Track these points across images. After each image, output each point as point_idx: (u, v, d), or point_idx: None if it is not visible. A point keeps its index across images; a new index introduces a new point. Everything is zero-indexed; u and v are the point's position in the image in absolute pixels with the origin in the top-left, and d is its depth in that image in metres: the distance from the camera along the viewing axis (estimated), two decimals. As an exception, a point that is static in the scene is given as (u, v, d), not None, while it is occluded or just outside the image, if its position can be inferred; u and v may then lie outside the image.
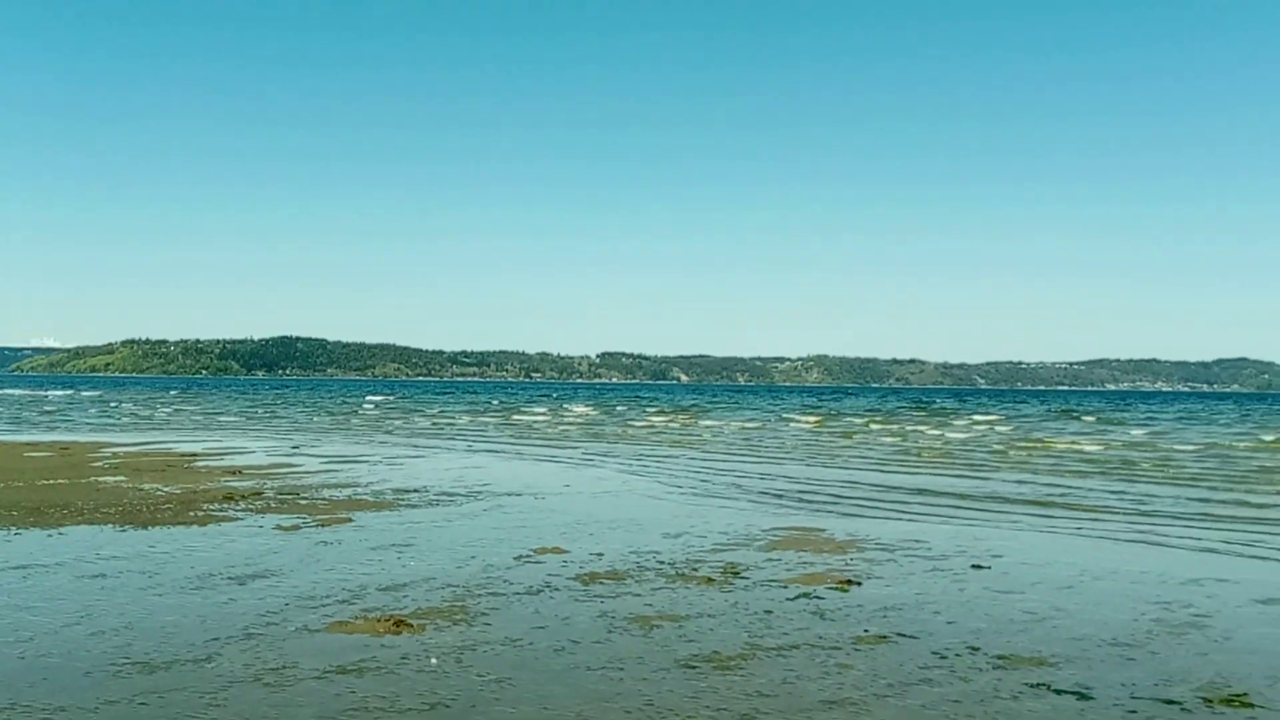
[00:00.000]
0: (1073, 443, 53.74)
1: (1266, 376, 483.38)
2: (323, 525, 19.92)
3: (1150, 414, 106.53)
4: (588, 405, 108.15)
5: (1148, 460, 42.11)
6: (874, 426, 70.76)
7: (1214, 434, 64.99)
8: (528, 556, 16.85)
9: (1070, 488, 30.40)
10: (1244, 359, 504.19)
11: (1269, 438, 59.18)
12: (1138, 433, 65.87)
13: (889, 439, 56.10)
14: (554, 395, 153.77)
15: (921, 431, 64.38)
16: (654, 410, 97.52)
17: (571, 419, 78.41)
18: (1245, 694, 9.93)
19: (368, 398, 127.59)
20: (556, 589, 14.31)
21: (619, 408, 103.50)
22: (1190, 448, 50.56)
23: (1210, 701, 9.69)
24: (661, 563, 16.47)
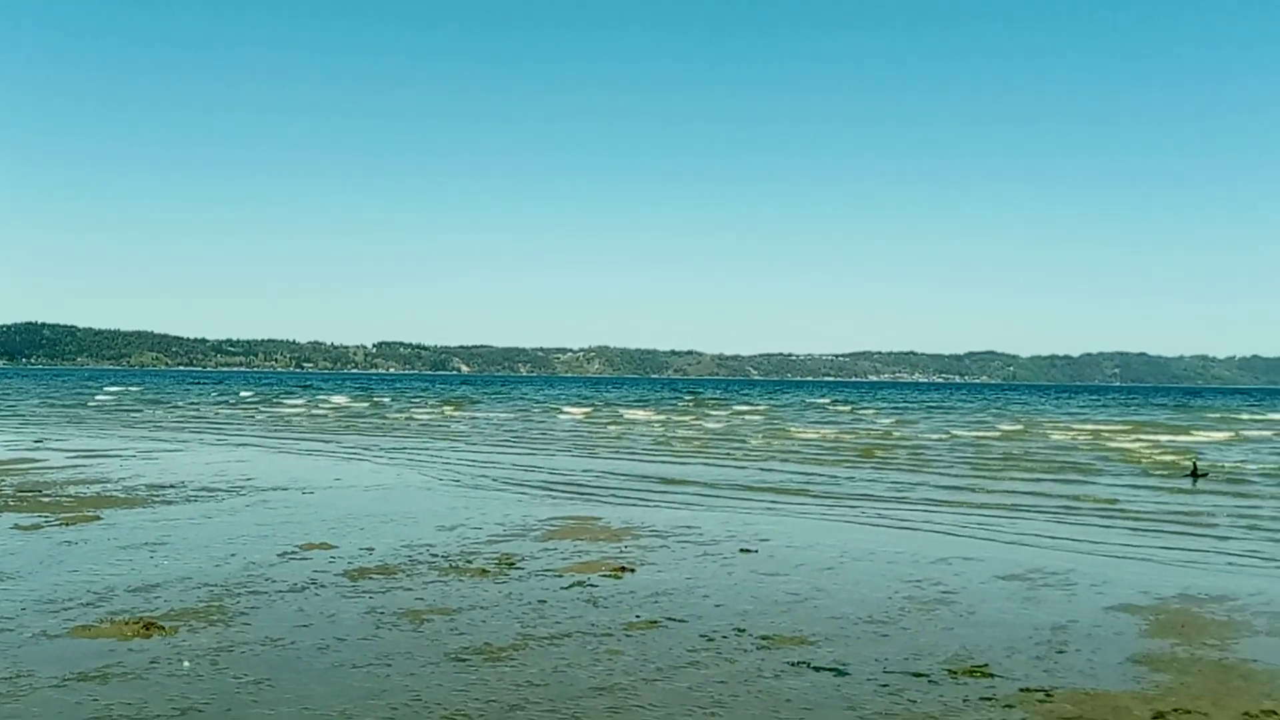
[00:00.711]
0: (826, 433, 56.28)
1: (1011, 369, 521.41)
2: (67, 524, 18.54)
3: (904, 403, 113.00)
4: (347, 397, 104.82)
5: (900, 448, 44.62)
6: (641, 416, 72.09)
7: (957, 423, 69.44)
8: (293, 553, 16.19)
9: (829, 476, 31.85)
10: (992, 352, 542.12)
11: (1007, 428, 63.73)
12: (886, 422, 69.62)
13: (656, 429, 57.23)
14: (316, 386, 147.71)
15: (684, 421, 66.03)
16: (422, 401, 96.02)
17: (329, 411, 75.89)
18: (986, 665, 10.57)
19: (106, 388, 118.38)
20: (322, 586, 13.79)
21: (384, 399, 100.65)
22: (937, 437, 53.87)
23: (955, 673, 10.27)
24: (435, 556, 16.16)
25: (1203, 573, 15.94)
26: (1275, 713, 9.17)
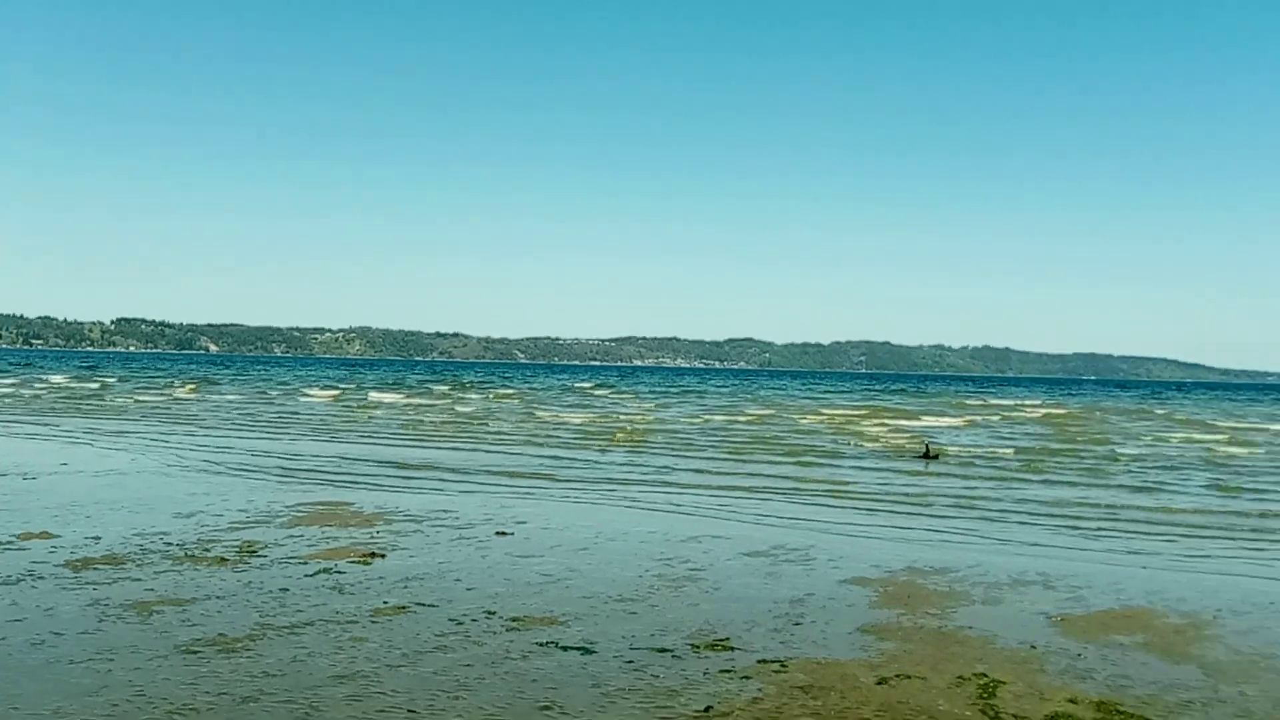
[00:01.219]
0: (588, 417, 56.96)
1: (768, 355, 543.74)
2: None
3: (662, 387, 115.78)
4: (69, 376, 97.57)
5: (656, 431, 45.65)
6: (391, 399, 70.42)
7: (711, 407, 71.70)
8: (8, 543, 14.93)
9: (585, 459, 32.21)
10: (750, 339, 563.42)
11: (758, 412, 66.31)
12: (644, 405, 71.16)
13: (408, 412, 56.08)
14: (39, 364, 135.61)
15: (437, 405, 65.14)
16: (157, 382, 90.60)
17: (45, 391, 70.26)
18: (728, 639, 10.93)
19: None
20: (40, 578, 12.77)
21: (111, 380, 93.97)
22: (691, 420, 55.45)
23: (698, 647, 10.57)
24: (169, 544, 15.27)
25: (928, 548, 17.03)
26: (985, 674, 9.90)
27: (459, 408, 62.24)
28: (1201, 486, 27.90)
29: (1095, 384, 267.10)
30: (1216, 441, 47.17)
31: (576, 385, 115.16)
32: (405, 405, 64.72)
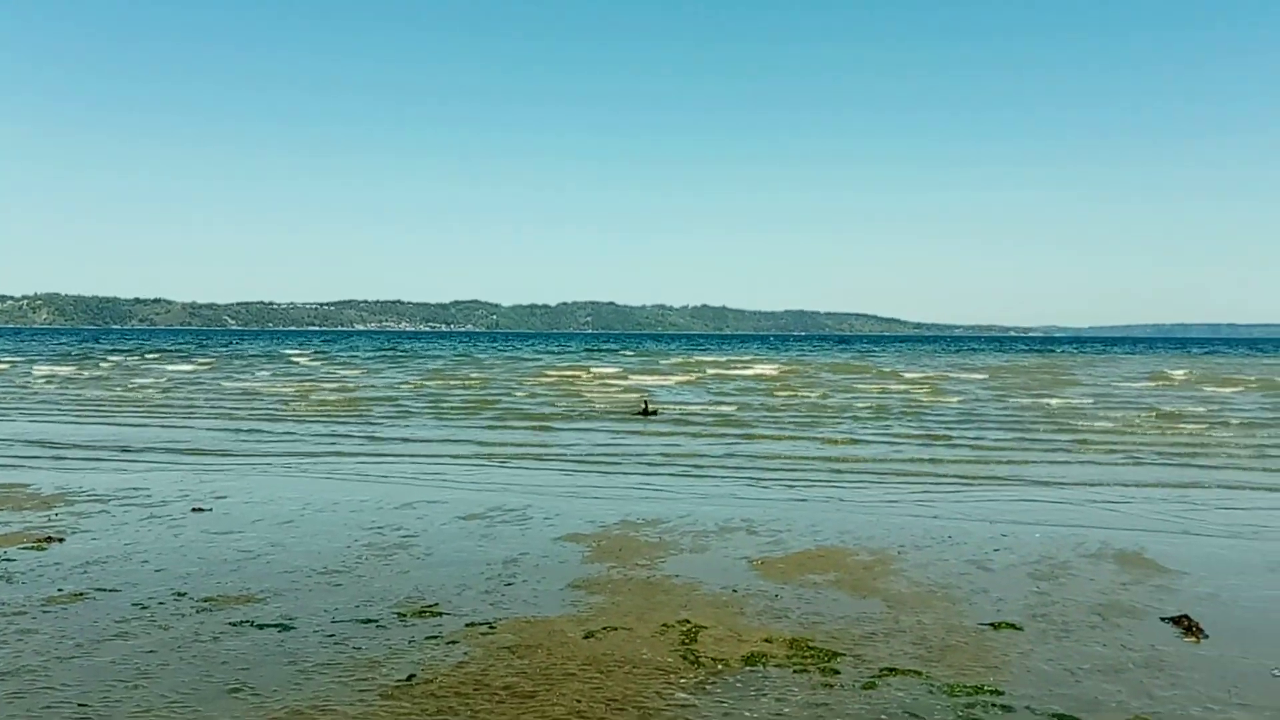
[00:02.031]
0: (298, 387, 54.88)
1: (495, 317, 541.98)
2: None
3: (377, 353, 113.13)
4: None
5: (367, 400, 44.51)
6: (54, 372, 64.47)
7: (431, 371, 70.72)
8: None
9: (288, 432, 30.99)
10: (476, 301, 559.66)
11: (481, 375, 65.96)
12: (353, 373, 69.35)
13: (70, 388, 51.59)
14: None
15: (108, 379, 60.29)
16: None
17: None
18: (437, 604, 10.70)
19: None
20: None
21: None
22: (411, 386, 54.45)
23: (405, 615, 10.28)
24: None
25: (642, 502, 17.38)
26: (689, 620, 10.16)
27: (140, 379, 57.53)
28: (899, 433, 30.00)
29: (804, 339, 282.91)
30: (913, 391, 50.95)
31: (285, 352, 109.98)
32: (80, 378, 59.20)
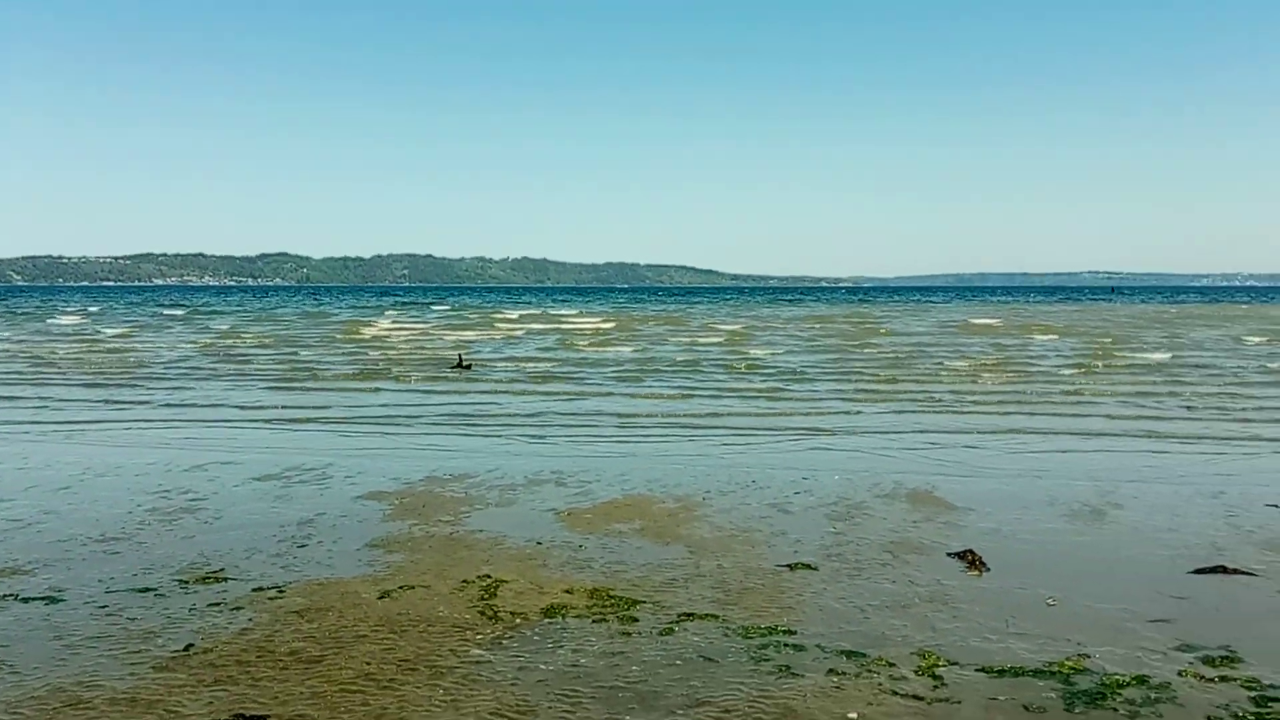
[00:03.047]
0: (72, 348, 51.90)
1: (305, 270, 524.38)
2: None
3: (173, 309, 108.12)
4: None
5: (152, 361, 42.41)
6: None
7: (213, 330, 68.00)
8: None
9: (61, 396, 29.25)
10: (285, 254, 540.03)
11: (286, 334, 63.73)
12: (136, 331, 66.05)
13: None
14: None
15: None
16: None
17: None
18: (222, 569, 10.18)
19: None
20: None
21: None
22: (209, 343, 52.17)
23: (187, 582, 9.73)
24: None
25: (451, 458, 17.01)
26: (490, 575, 9.97)
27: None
28: (713, 384, 30.47)
29: (627, 291, 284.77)
30: (729, 342, 51.90)
31: (64, 309, 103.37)
32: None
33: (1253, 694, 7.16)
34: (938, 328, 67.07)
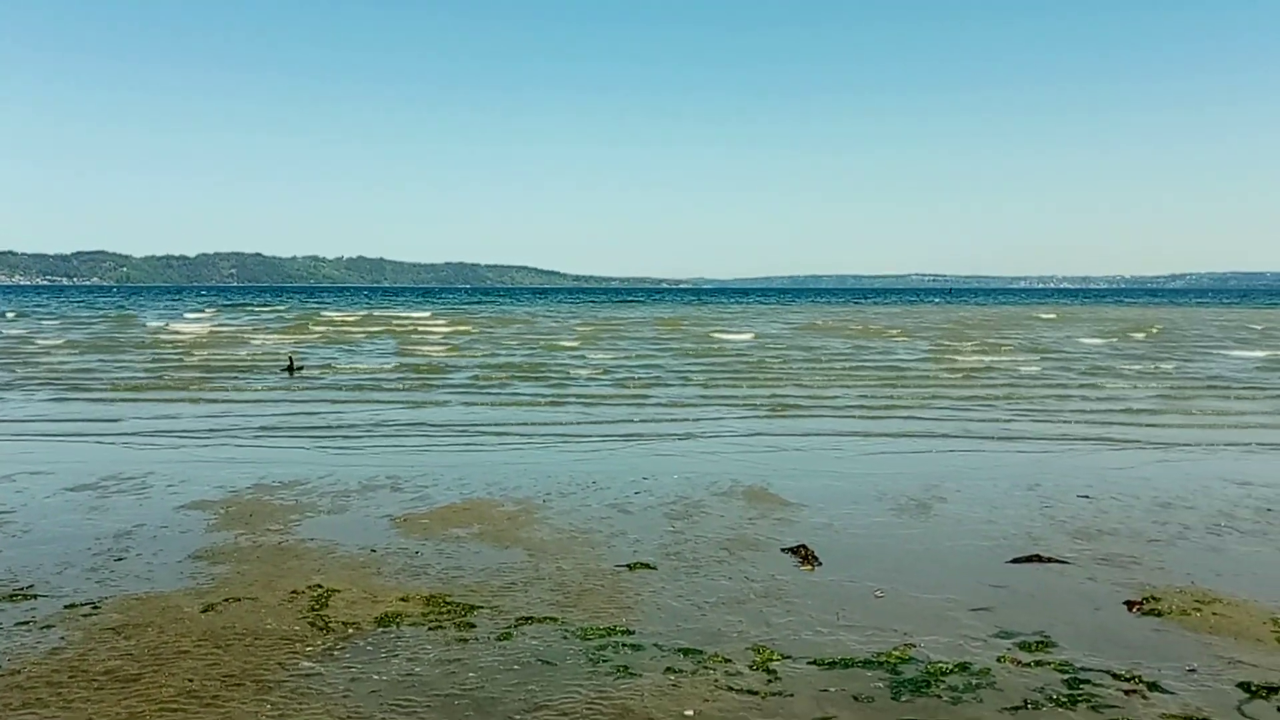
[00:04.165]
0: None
1: (125, 270, 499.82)
2: None
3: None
4: None
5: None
6: None
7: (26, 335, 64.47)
8: None
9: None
10: (103, 252, 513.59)
11: (94, 340, 60.73)
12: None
13: None
14: None
15: None
16: None
17: None
18: (32, 586, 9.59)
19: None
20: None
21: None
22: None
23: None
24: None
25: (280, 465, 16.44)
26: (321, 585, 9.67)
27: None
28: (557, 389, 30.38)
29: (467, 292, 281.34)
30: (577, 345, 51.84)
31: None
32: None
33: (1065, 676, 7.55)
34: (789, 330, 68.53)
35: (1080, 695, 7.19)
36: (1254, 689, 7.30)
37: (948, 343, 51.77)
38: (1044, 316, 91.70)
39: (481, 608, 9.08)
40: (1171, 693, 7.24)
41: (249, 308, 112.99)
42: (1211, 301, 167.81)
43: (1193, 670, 7.66)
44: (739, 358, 40.80)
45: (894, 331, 63.54)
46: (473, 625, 8.61)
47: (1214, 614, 8.94)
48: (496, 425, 21.24)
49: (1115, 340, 54.45)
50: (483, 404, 25.15)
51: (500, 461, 16.82)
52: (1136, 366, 37.06)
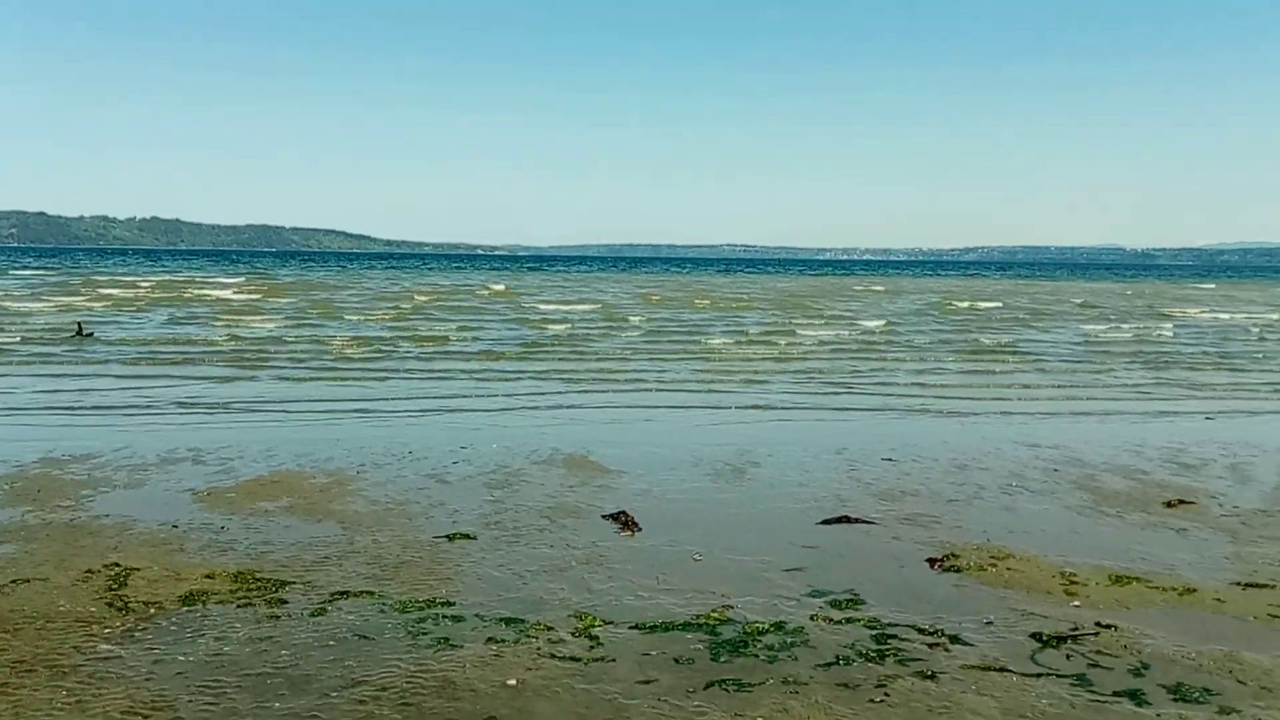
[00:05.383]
0: None
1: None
2: None
3: None
4: None
5: None
6: None
7: None
8: None
9: None
10: None
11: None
12: None
13: None
14: None
15: None
16: None
17: None
18: None
19: None
20: None
21: None
22: None
23: None
24: None
25: (70, 435, 15.46)
26: (119, 564, 9.15)
27: None
28: (369, 356, 29.63)
29: (274, 256, 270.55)
30: (394, 312, 50.64)
31: None
32: None
33: (874, 632, 7.87)
34: (627, 298, 68.59)
35: (888, 650, 7.51)
36: (1045, 638, 7.78)
37: (789, 314, 52.66)
38: (875, 289, 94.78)
39: (294, 583, 8.78)
40: (971, 644, 7.65)
41: (29, 270, 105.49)
42: (1033, 274, 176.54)
43: (990, 622, 8.11)
44: (564, 328, 40.73)
45: (732, 303, 64.55)
46: (285, 601, 8.31)
47: (1008, 569, 9.50)
48: (308, 399, 20.51)
49: (935, 312, 56.96)
50: (294, 378, 24.23)
51: (311, 434, 16.25)
52: (965, 338, 38.93)
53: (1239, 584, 9.15)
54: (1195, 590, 8.94)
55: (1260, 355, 33.18)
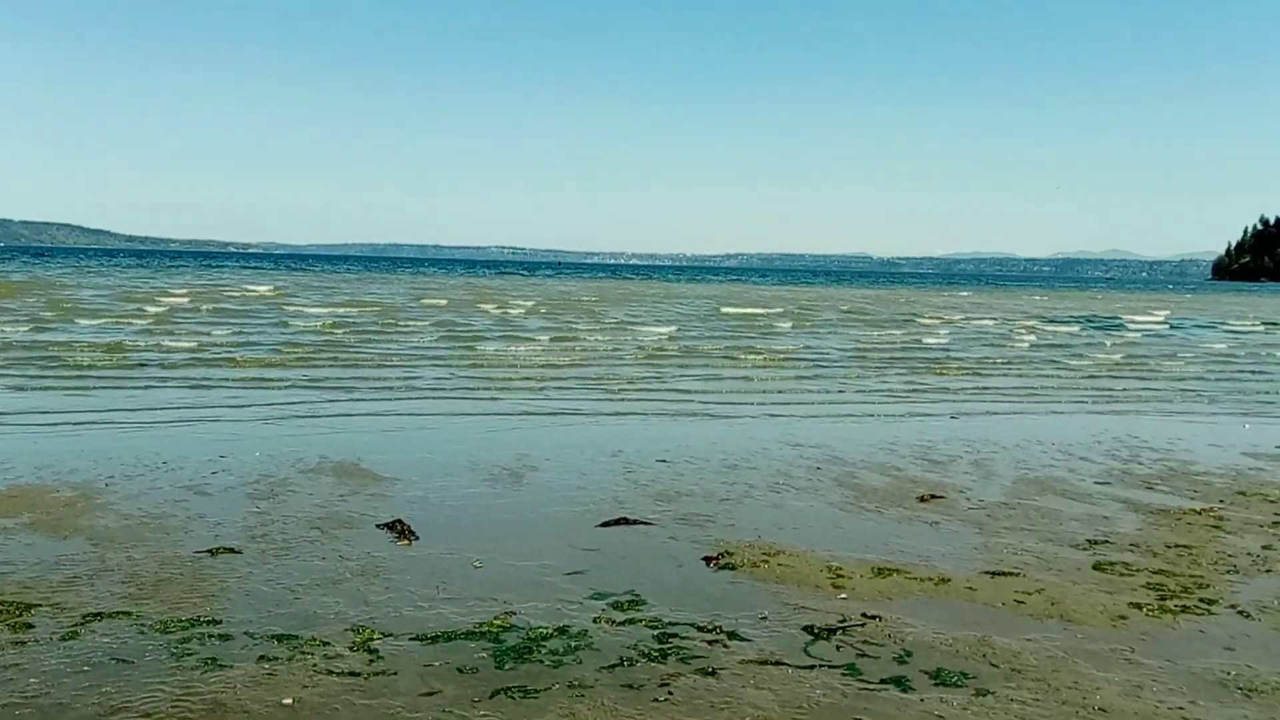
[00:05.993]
0: None
1: None
2: None
3: None
4: None
5: None
6: None
7: None
8: None
9: None
10: None
11: None
12: None
13: None
14: None
15: None
16: None
17: None
18: None
19: None
20: None
21: None
22: None
23: None
24: None
25: None
26: None
27: None
28: (131, 369, 27.77)
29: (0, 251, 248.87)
30: (150, 317, 47.52)
31: None
32: None
33: (656, 632, 8.00)
34: (401, 300, 66.75)
35: (670, 649, 7.65)
36: (816, 631, 8.13)
37: (569, 318, 52.59)
38: (650, 292, 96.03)
39: (40, 605, 8.11)
40: (748, 640, 7.89)
41: None
42: (794, 279, 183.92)
43: (765, 618, 8.39)
44: (334, 332, 39.35)
45: (490, 307, 63.98)
46: (31, 626, 7.67)
47: (779, 565, 9.86)
48: (46, 409, 18.97)
49: (714, 318, 58.40)
50: (30, 387, 22.32)
51: (52, 446, 15.02)
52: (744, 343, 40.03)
53: (987, 573, 9.84)
54: (949, 580, 9.56)
55: (1011, 360, 35.84)
